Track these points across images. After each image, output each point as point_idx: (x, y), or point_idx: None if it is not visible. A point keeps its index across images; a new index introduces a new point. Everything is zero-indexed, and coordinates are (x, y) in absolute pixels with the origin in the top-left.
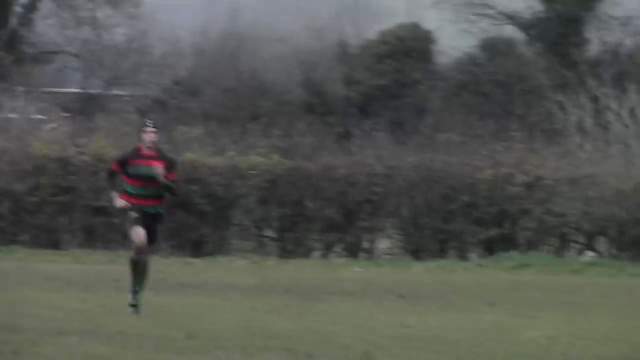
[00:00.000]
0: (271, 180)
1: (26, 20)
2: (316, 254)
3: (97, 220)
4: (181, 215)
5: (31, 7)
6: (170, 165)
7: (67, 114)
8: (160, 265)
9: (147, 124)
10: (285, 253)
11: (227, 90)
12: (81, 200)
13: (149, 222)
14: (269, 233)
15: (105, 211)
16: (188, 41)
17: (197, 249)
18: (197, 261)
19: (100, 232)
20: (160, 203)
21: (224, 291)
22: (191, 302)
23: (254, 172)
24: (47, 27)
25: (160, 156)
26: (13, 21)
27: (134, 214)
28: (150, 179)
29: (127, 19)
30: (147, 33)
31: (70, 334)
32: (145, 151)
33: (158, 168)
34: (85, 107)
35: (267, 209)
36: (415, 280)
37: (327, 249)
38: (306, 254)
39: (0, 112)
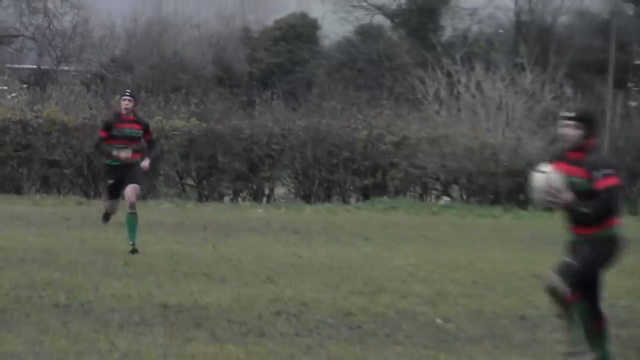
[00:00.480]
0: (190, 139)
1: None
2: (227, 198)
3: (51, 171)
4: None
5: None
6: (145, 128)
7: (25, 86)
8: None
9: (125, 93)
10: (203, 198)
11: (153, 67)
12: (37, 155)
13: (130, 172)
14: (189, 181)
15: (58, 164)
16: (122, 26)
17: None
18: None
19: (53, 180)
20: (139, 157)
21: (153, 228)
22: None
23: (176, 132)
24: (7, 16)
25: (137, 120)
26: None
27: (109, 182)
28: (131, 139)
29: (73, 9)
30: (88, 20)
31: (31, 262)
32: (125, 116)
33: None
34: (39, 80)
35: (187, 163)
36: (306, 219)
37: (236, 194)
38: (219, 198)
39: None
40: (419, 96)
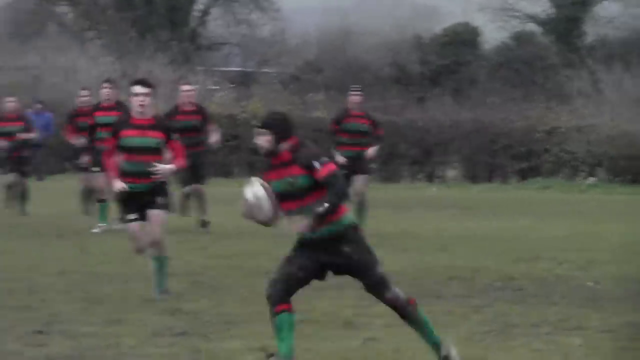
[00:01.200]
0: None
1: (202, 21)
2: (405, 179)
3: (256, 157)
4: None
5: (205, 13)
6: (373, 122)
7: (232, 85)
8: None
9: (353, 89)
10: (385, 179)
11: (339, 69)
12: (244, 144)
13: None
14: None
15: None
16: (313, 35)
17: None
18: None
19: (258, 166)
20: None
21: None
22: None
23: None
24: (216, 27)
25: (366, 115)
26: (193, 22)
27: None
28: (361, 133)
29: (272, 20)
30: (284, 29)
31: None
32: (353, 111)
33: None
34: (244, 81)
35: None
36: (473, 197)
37: (413, 176)
38: (398, 179)
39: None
40: (567, 92)
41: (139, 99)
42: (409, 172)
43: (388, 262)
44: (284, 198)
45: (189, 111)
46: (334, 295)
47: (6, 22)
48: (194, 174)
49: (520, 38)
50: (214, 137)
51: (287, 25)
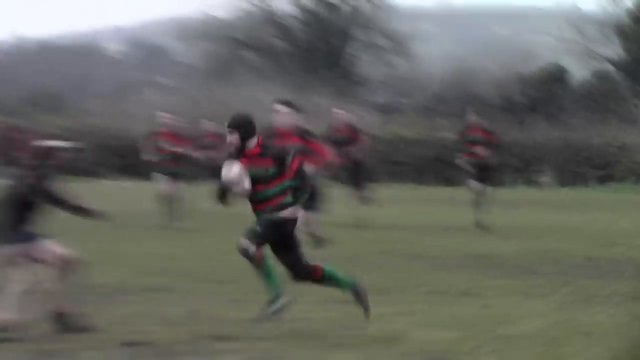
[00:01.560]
0: None
1: (354, 63)
2: (509, 184)
3: (390, 166)
4: None
5: (356, 56)
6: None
7: (377, 112)
8: None
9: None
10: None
11: (459, 99)
12: (387, 157)
13: None
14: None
15: None
16: (439, 73)
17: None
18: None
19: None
20: None
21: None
22: None
23: None
24: (365, 67)
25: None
26: (347, 64)
27: None
28: None
29: (408, 62)
30: (417, 69)
31: None
32: None
33: None
34: (386, 109)
35: None
36: (561, 198)
37: (515, 181)
38: (503, 184)
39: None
40: (634, 116)
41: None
42: (512, 178)
43: (497, 247)
44: (254, 182)
45: (343, 129)
46: (451, 272)
47: (208, 64)
48: (355, 180)
49: (599, 75)
50: (359, 148)
51: (419, 66)
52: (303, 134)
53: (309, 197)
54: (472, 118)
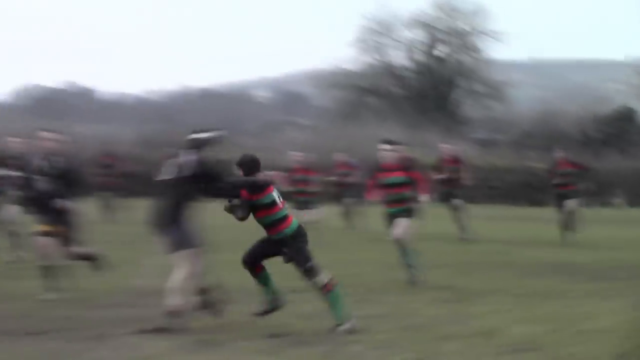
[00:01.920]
0: None
1: (458, 106)
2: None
3: (486, 189)
4: None
5: (460, 101)
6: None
7: (478, 147)
8: None
9: (557, 149)
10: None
11: (544, 135)
12: (485, 182)
13: None
14: None
15: None
16: (528, 113)
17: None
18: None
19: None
20: None
21: None
22: None
23: None
24: (467, 109)
25: None
26: (452, 107)
27: None
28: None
29: (502, 104)
30: (510, 110)
31: None
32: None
33: None
34: (485, 143)
35: None
36: (632, 216)
37: (591, 203)
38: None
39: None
40: None
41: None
42: (589, 200)
43: (577, 257)
44: (256, 209)
45: (449, 160)
46: (538, 278)
47: (338, 107)
48: (450, 196)
49: None
50: (467, 175)
51: (512, 108)
52: (406, 167)
53: (408, 214)
54: (559, 154)
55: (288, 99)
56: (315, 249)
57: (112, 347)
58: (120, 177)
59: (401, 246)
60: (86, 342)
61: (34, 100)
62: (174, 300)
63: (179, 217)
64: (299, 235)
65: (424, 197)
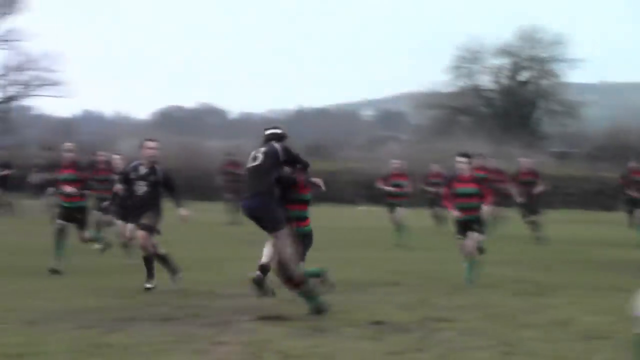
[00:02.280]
0: None
1: (538, 123)
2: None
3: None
4: None
5: (541, 120)
6: None
7: (555, 159)
8: None
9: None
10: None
11: (614, 148)
12: (558, 192)
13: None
14: None
15: None
16: (598, 129)
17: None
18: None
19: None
20: None
21: None
22: None
23: None
24: (547, 126)
25: None
26: (530, 123)
27: None
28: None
29: (575, 121)
30: (584, 128)
31: None
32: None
33: None
34: (561, 156)
35: None
36: None
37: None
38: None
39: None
40: None
41: (460, 164)
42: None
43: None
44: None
45: (526, 173)
46: (608, 273)
47: (433, 125)
48: (530, 208)
49: None
50: (539, 188)
51: (586, 125)
52: (478, 180)
53: (477, 223)
54: (633, 164)
55: (389, 117)
56: (406, 248)
57: (235, 332)
58: (241, 183)
59: (470, 260)
60: (213, 327)
61: (174, 119)
62: (286, 274)
63: (273, 199)
64: (310, 236)
65: (487, 208)
